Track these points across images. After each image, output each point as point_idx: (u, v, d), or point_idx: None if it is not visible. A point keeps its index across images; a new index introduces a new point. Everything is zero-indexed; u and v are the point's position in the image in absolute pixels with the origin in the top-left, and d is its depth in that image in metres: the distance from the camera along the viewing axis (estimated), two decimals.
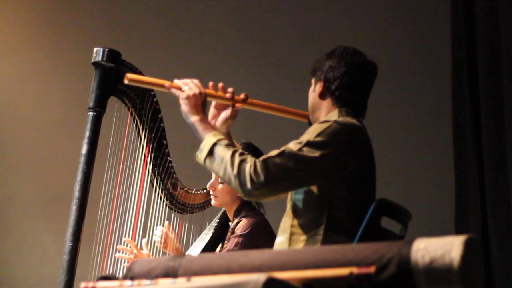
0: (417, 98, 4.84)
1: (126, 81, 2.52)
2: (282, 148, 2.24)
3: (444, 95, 4.40)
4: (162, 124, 3.12)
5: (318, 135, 2.27)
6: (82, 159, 2.90)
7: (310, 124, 2.53)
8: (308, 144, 2.24)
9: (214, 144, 2.26)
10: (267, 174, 2.17)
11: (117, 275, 3.06)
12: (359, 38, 4.80)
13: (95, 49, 2.98)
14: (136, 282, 1.68)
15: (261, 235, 3.13)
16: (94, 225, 3.03)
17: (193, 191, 3.34)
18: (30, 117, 5.06)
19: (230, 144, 2.28)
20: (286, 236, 2.34)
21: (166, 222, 3.30)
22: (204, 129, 2.33)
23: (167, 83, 2.46)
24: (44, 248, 4.86)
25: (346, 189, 2.31)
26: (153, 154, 3.12)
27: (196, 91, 2.41)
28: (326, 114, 2.46)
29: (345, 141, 2.31)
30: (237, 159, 2.20)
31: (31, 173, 5.01)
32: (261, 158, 2.21)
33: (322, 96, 2.48)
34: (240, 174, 2.18)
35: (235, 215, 3.27)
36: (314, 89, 2.51)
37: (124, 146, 3.02)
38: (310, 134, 2.29)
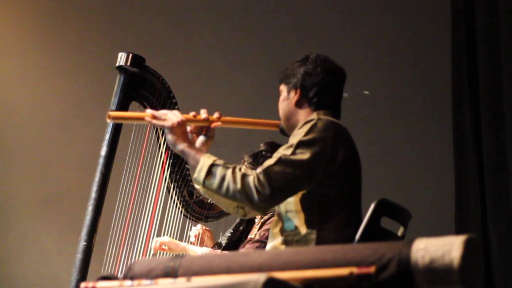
0: (417, 98, 4.85)
1: (109, 120, 2.50)
2: (278, 155, 2.25)
3: (444, 95, 4.40)
4: None
5: (306, 134, 2.28)
6: (101, 161, 2.90)
7: (282, 132, 2.54)
8: (299, 144, 2.26)
9: (212, 165, 2.26)
10: (270, 184, 2.19)
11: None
12: (359, 39, 4.80)
13: (119, 53, 2.98)
14: (136, 282, 1.69)
15: None
16: (109, 226, 3.03)
17: (209, 200, 3.34)
18: (30, 117, 5.06)
19: (226, 163, 2.27)
20: (280, 239, 2.34)
21: (199, 225, 3.37)
22: (196, 153, 2.33)
23: (147, 116, 2.41)
24: (44, 248, 4.87)
25: (334, 187, 2.31)
26: (171, 161, 3.12)
27: (178, 119, 2.38)
28: (304, 120, 2.43)
29: (332, 134, 2.32)
30: (238, 174, 2.21)
31: (31, 173, 5.01)
32: (260, 169, 2.22)
33: (298, 103, 2.47)
34: (245, 188, 2.19)
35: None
36: (288, 97, 2.49)
37: (143, 151, 3.02)
38: (298, 136, 2.30)
